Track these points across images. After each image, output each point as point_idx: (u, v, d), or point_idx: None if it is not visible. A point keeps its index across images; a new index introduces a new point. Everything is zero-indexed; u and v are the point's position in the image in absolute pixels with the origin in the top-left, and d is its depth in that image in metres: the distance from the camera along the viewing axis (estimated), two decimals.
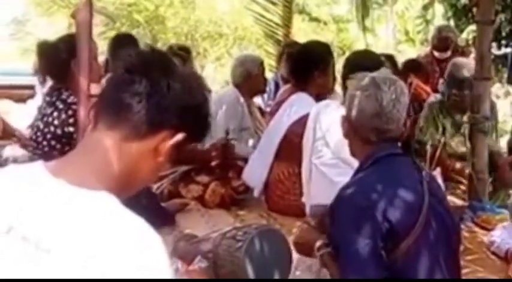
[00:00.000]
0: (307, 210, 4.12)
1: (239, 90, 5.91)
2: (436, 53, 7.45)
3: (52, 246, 1.43)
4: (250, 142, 5.75)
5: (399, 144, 2.96)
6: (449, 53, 7.35)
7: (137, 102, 1.58)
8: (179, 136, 1.62)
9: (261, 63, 6.09)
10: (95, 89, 4.47)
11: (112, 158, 1.57)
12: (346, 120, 2.88)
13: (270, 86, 7.23)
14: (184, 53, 7.27)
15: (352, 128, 2.85)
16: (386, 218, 2.58)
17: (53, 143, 4.07)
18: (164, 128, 1.61)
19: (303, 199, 4.26)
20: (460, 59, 6.00)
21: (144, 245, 1.46)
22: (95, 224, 1.45)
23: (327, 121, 4.01)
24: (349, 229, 2.63)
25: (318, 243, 2.87)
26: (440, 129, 5.58)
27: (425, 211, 2.65)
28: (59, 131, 4.05)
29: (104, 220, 1.46)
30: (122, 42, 5.96)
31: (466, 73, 5.32)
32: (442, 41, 7.45)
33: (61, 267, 1.42)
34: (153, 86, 1.59)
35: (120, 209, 1.50)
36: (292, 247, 3.28)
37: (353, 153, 2.93)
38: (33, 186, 1.52)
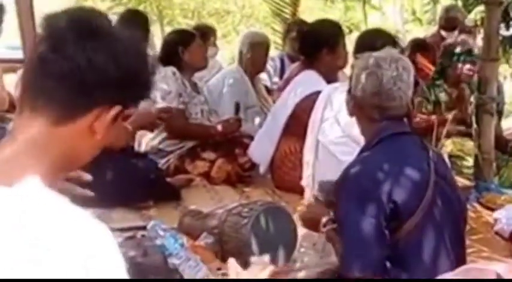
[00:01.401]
0: (307, 193, 4.14)
1: (243, 68, 5.94)
2: (443, 33, 7.42)
3: None
4: (257, 120, 5.75)
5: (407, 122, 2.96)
6: (456, 33, 7.31)
7: (55, 84, 1.42)
8: (114, 111, 1.47)
9: (253, 44, 6.02)
10: None
11: (43, 144, 1.42)
12: (351, 100, 2.88)
13: (276, 64, 7.21)
14: (209, 31, 7.30)
15: (357, 107, 2.86)
16: (391, 197, 2.59)
17: None
18: (94, 106, 1.45)
19: (303, 182, 4.27)
20: (462, 37, 6.04)
21: (89, 234, 1.33)
22: (31, 226, 1.28)
23: (339, 101, 4.00)
24: (353, 208, 2.64)
25: (324, 219, 2.89)
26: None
27: (431, 191, 2.66)
28: None
29: (40, 213, 1.30)
30: (131, 19, 5.94)
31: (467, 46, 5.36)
32: (450, 21, 7.42)
33: None
34: (70, 63, 1.41)
35: (64, 207, 1.35)
36: (298, 221, 3.30)
37: (362, 133, 2.94)
38: None
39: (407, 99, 2.83)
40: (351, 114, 2.93)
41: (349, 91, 2.91)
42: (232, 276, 1.98)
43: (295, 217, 3.37)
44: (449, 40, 6.06)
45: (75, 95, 1.42)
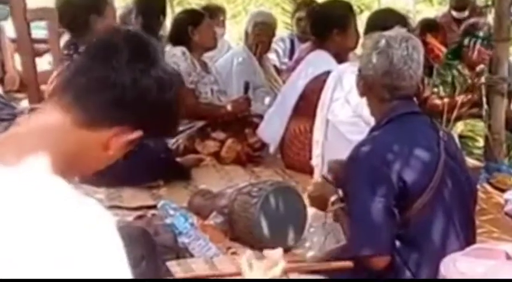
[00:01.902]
0: (316, 173, 4.14)
1: (249, 48, 5.95)
2: (454, 13, 7.38)
3: None
4: (267, 100, 5.74)
5: (416, 102, 2.96)
6: (467, 12, 7.27)
7: (95, 90, 1.43)
8: (135, 135, 1.47)
9: (257, 23, 6.02)
10: None
11: (57, 137, 1.41)
12: (361, 80, 2.87)
13: (286, 45, 7.19)
14: (218, 11, 7.29)
15: (367, 87, 2.85)
16: (400, 177, 2.59)
17: None
18: (120, 123, 1.45)
19: (313, 162, 4.27)
20: (480, 19, 5.99)
21: (91, 222, 1.28)
22: (31, 205, 1.26)
23: (349, 81, 3.99)
24: (363, 187, 2.64)
25: (333, 198, 2.89)
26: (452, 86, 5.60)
27: (441, 171, 2.65)
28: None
29: (42, 201, 1.27)
30: (149, 2, 5.93)
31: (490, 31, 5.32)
32: (461, 1, 7.38)
33: None
34: (116, 77, 1.43)
35: (64, 189, 1.32)
36: (306, 200, 3.30)
37: (372, 113, 2.93)
38: None
39: (418, 78, 2.82)
40: (362, 94, 2.92)
41: (359, 71, 2.90)
42: (243, 266, 1.97)
43: (305, 197, 3.37)
44: (472, 20, 5.98)
45: (108, 107, 1.44)
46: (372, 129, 2.89)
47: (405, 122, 2.78)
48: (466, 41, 5.62)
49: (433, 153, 2.69)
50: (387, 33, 2.84)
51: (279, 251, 2.17)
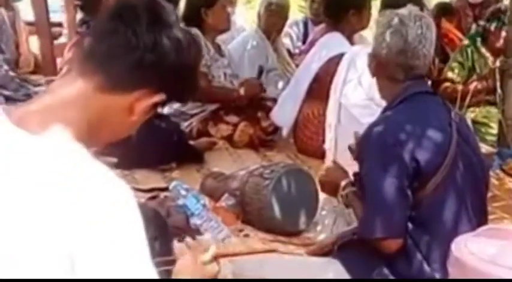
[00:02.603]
0: (328, 156, 4.13)
1: (262, 31, 5.93)
2: None
3: None
4: (280, 84, 5.73)
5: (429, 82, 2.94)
6: None
7: (118, 54, 1.46)
8: (158, 97, 1.50)
9: (270, 4, 6.01)
10: None
11: (81, 105, 1.44)
12: (374, 59, 2.85)
13: (299, 28, 7.18)
14: None
15: (380, 66, 2.82)
16: (413, 156, 2.58)
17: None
18: (143, 86, 1.48)
19: (326, 146, 4.26)
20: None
21: (114, 198, 1.30)
22: (56, 173, 1.28)
23: (363, 63, 3.98)
24: (376, 167, 2.63)
25: (344, 182, 2.88)
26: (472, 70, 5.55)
27: (453, 151, 2.65)
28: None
29: (67, 169, 1.29)
30: None
31: None
32: None
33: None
34: (138, 40, 1.46)
35: (88, 159, 1.34)
36: (317, 185, 3.30)
37: (382, 94, 2.91)
38: None
39: (430, 58, 2.80)
40: (373, 74, 2.91)
41: (372, 50, 2.88)
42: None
43: (317, 180, 3.37)
44: (500, 4, 5.92)
45: (130, 69, 1.46)
46: (385, 110, 2.87)
47: (418, 101, 2.76)
48: (492, 26, 5.55)
49: (445, 133, 2.67)
50: (400, 11, 2.82)
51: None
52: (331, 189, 3.03)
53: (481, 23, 5.85)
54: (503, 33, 5.33)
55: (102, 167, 1.34)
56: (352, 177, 2.90)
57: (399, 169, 2.58)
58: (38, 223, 1.24)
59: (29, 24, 5.71)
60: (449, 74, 5.58)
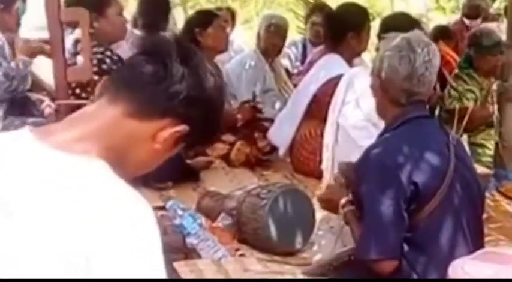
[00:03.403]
0: (325, 176, 4.14)
1: (260, 52, 5.91)
2: (466, 21, 7.39)
3: (16, 210, 1.38)
4: (277, 104, 5.73)
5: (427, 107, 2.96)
6: (479, 21, 7.28)
7: (147, 82, 1.54)
8: (181, 127, 1.56)
9: (270, 25, 6.00)
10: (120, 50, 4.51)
11: (106, 128, 1.52)
12: (378, 81, 2.85)
13: (298, 49, 7.20)
14: (229, 14, 7.30)
15: (382, 89, 2.83)
16: (411, 179, 2.59)
17: (77, 91, 4.09)
18: (168, 115, 1.56)
19: (322, 166, 4.27)
20: (486, 25, 5.96)
21: (135, 216, 1.40)
22: (78, 188, 1.39)
23: (361, 85, 3.99)
24: (374, 189, 2.64)
25: (343, 201, 2.89)
26: (471, 95, 5.56)
27: (451, 174, 2.66)
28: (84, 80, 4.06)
29: (90, 185, 1.40)
30: (152, 1, 5.94)
31: (496, 38, 5.29)
32: (473, 9, 7.39)
33: (21, 232, 1.36)
34: (166, 71, 1.55)
35: (111, 176, 1.44)
36: (317, 203, 3.30)
37: (380, 114, 2.92)
38: (11, 150, 1.46)
39: (433, 84, 2.82)
40: (375, 95, 2.91)
41: (375, 72, 2.87)
42: None
43: (314, 200, 3.37)
44: (474, 29, 5.98)
45: (157, 98, 1.54)
46: (383, 132, 2.88)
47: (416, 125, 2.78)
48: (472, 52, 5.60)
49: (443, 157, 2.69)
50: (408, 35, 2.82)
51: None
52: (331, 206, 3.04)
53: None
54: (489, 57, 5.38)
55: (125, 185, 1.43)
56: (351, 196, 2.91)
57: (397, 191, 2.59)
58: (64, 233, 1.34)
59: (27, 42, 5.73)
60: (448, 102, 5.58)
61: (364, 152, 2.76)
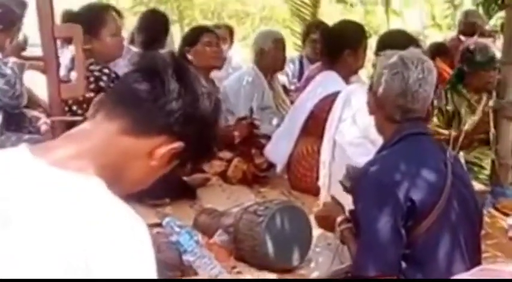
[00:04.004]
0: (322, 193, 4.14)
1: (258, 68, 5.88)
2: (462, 38, 7.40)
3: (15, 219, 1.39)
4: (274, 121, 5.73)
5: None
6: (475, 38, 7.29)
7: (144, 99, 1.56)
8: (177, 144, 1.58)
9: (277, 40, 5.97)
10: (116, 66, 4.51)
11: (102, 146, 1.53)
12: (373, 98, 2.87)
13: (295, 65, 7.22)
14: (227, 31, 7.30)
15: (378, 106, 2.85)
16: (408, 196, 2.59)
17: (74, 108, 4.08)
18: (164, 132, 1.58)
19: (319, 182, 4.27)
20: (480, 40, 5.95)
21: (134, 223, 1.43)
22: (73, 206, 1.40)
23: (358, 101, 3.99)
24: (371, 206, 2.64)
25: (339, 218, 2.88)
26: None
27: (448, 191, 2.66)
28: (79, 97, 4.05)
29: (86, 203, 1.41)
30: (152, 19, 5.95)
31: (490, 53, 5.29)
32: (469, 26, 7.41)
33: (21, 236, 1.37)
34: (163, 88, 1.56)
35: (107, 194, 1.45)
36: (314, 220, 3.29)
37: (379, 131, 2.93)
38: (10, 167, 1.47)
39: (430, 100, 2.83)
40: (371, 112, 2.92)
41: (370, 89, 2.89)
42: None
43: (311, 217, 3.37)
44: (467, 43, 5.96)
45: (154, 115, 1.56)
46: (381, 149, 2.89)
47: (414, 142, 2.79)
48: (465, 67, 5.57)
49: (440, 173, 2.70)
50: (403, 53, 2.84)
51: None
52: (328, 224, 3.03)
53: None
54: (482, 73, 5.35)
55: (120, 202, 1.46)
56: (348, 214, 2.91)
57: (394, 208, 2.59)
58: (63, 236, 1.36)
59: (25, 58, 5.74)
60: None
61: (361, 169, 2.76)
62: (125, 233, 1.41)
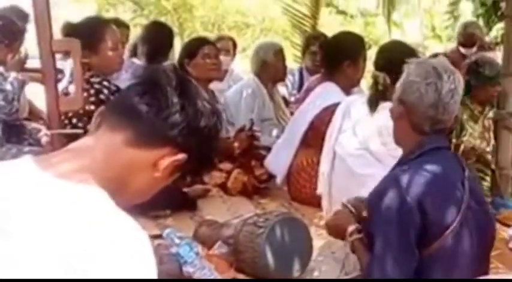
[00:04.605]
0: (324, 201, 4.13)
1: (259, 79, 5.88)
2: (462, 49, 7.40)
3: (15, 232, 1.39)
4: (274, 132, 5.73)
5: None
6: (475, 49, 7.29)
7: (147, 111, 1.58)
8: (180, 156, 1.61)
9: (278, 51, 5.99)
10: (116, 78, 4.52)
11: (106, 158, 1.55)
12: (402, 106, 2.79)
13: (295, 77, 7.22)
14: (230, 43, 7.31)
15: (407, 115, 2.78)
16: (425, 214, 2.54)
17: (74, 121, 4.08)
18: (167, 144, 1.60)
19: (318, 191, 4.27)
20: (486, 54, 5.94)
21: (132, 245, 1.43)
22: (77, 216, 1.41)
23: (357, 113, 3.99)
24: (386, 219, 2.59)
25: (351, 228, 2.85)
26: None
27: (464, 211, 2.61)
28: (80, 109, 4.06)
29: (87, 213, 1.42)
30: (156, 31, 5.95)
31: (498, 67, 5.28)
32: (468, 38, 7.40)
33: (21, 238, 1.38)
34: (166, 101, 1.59)
35: (109, 205, 1.47)
36: (315, 232, 3.27)
37: (400, 141, 2.87)
38: (14, 179, 1.48)
39: (456, 112, 2.77)
40: (396, 119, 2.86)
41: (399, 97, 2.82)
42: None
43: (311, 229, 3.36)
44: (474, 57, 5.95)
45: (158, 127, 1.59)
46: (401, 161, 2.83)
47: (438, 157, 2.73)
48: (472, 81, 5.56)
49: (459, 192, 2.65)
50: (434, 62, 2.78)
51: None
52: (339, 233, 3.00)
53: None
54: (489, 87, 5.34)
55: (124, 214, 1.47)
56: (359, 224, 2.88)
57: (409, 225, 2.55)
58: (63, 236, 1.37)
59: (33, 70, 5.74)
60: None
61: (379, 183, 2.69)
62: (125, 233, 1.43)
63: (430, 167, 2.69)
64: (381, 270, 2.60)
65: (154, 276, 1.43)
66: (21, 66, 4.80)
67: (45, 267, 1.35)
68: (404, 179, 2.65)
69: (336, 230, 3.03)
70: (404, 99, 2.78)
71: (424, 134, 2.74)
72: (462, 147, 5.06)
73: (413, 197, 2.58)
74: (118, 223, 1.44)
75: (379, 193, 2.70)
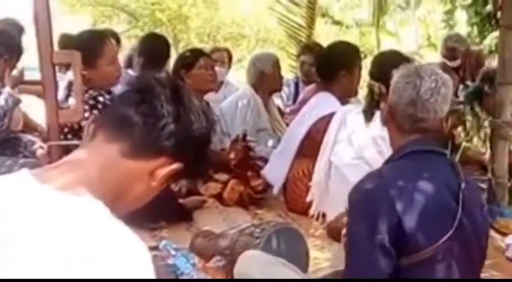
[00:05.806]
0: (313, 208, 4.13)
1: (255, 90, 5.89)
2: (446, 61, 7.40)
3: (15, 242, 1.39)
4: (270, 143, 5.73)
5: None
6: (458, 61, 7.28)
7: (143, 122, 1.58)
8: (176, 166, 1.62)
9: (276, 62, 6.00)
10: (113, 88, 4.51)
11: (104, 169, 1.55)
12: (387, 107, 2.79)
13: (290, 88, 7.23)
14: (226, 54, 7.32)
15: (390, 115, 2.77)
16: (399, 219, 2.46)
17: (69, 136, 4.08)
18: (163, 154, 1.60)
19: (308, 198, 4.27)
20: None
21: (129, 255, 1.43)
22: (76, 227, 1.40)
23: (353, 123, 3.99)
24: (361, 221, 2.52)
25: (344, 230, 2.83)
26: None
27: (454, 230, 2.50)
28: (75, 125, 4.06)
29: (87, 225, 1.42)
30: (153, 42, 5.95)
31: None
32: (449, 51, 7.38)
33: (18, 263, 1.37)
34: (162, 111, 1.59)
35: (108, 216, 1.46)
36: (311, 242, 3.27)
37: (391, 143, 2.83)
38: (12, 192, 1.47)
39: (442, 114, 2.73)
40: (384, 122, 2.85)
41: (385, 100, 2.83)
42: None
43: (308, 239, 3.36)
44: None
45: (154, 137, 1.59)
46: (387, 161, 2.79)
47: (420, 160, 2.67)
48: (486, 88, 5.55)
49: (447, 208, 2.54)
50: (420, 65, 2.80)
51: None
52: (337, 235, 2.98)
53: (469, 83, 5.85)
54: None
55: (122, 225, 1.46)
56: None
57: (384, 226, 2.49)
58: (63, 236, 1.37)
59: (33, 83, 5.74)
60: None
61: (357, 183, 2.64)
62: (123, 234, 1.43)
63: (406, 167, 2.65)
64: (354, 271, 2.55)
65: (154, 276, 1.44)
66: (17, 82, 4.79)
67: (45, 273, 1.35)
68: (377, 179, 2.60)
69: (335, 233, 3.03)
70: (389, 100, 2.79)
71: (406, 133, 2.72)
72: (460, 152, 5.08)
73: (383, 196, 2.50)
74: (115, 228, 1.44)
75: (352, 193, 2.65)
